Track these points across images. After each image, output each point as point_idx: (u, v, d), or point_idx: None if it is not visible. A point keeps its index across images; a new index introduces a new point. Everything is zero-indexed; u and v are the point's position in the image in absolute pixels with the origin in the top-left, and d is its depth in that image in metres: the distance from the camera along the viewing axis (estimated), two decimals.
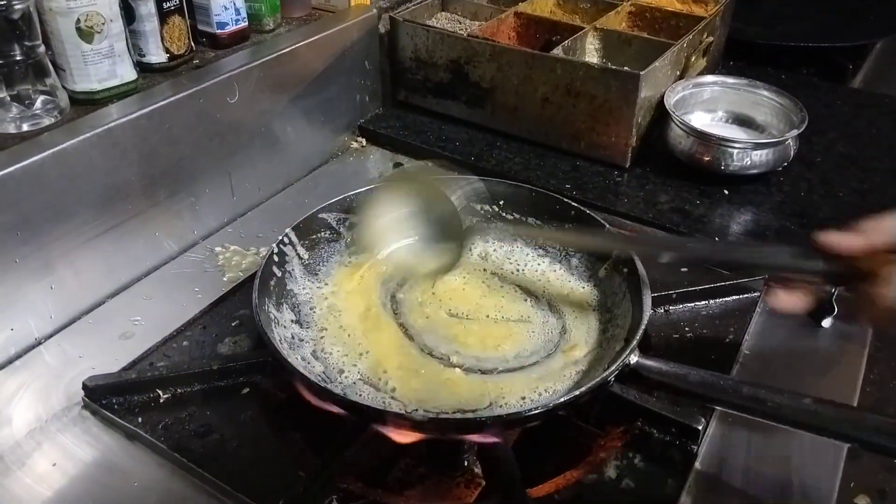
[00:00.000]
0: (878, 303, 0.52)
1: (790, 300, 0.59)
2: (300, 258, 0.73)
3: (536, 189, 0.80)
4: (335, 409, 0.58)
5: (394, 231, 0.74)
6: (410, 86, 1.09)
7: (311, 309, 0.71)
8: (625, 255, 0.70)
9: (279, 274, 0.70)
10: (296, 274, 0.72)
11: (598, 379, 0.58)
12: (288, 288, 0.71)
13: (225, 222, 0.88)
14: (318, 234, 0.76)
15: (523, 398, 0.62)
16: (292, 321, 0.69)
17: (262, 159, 0.92)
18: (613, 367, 0.58)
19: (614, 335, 0.67)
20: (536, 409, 0.56)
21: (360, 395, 0.62)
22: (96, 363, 0.68)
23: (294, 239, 0.73)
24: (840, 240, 0.54)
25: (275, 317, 0.66)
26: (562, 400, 0.56)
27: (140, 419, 0.62)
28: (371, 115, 1.09)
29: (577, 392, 0.57)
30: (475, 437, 0.58)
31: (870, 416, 0.52)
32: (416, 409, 0.61)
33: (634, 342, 0.60)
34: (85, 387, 0.63)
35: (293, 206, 0.91)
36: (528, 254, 0.79)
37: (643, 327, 0.62)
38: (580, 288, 0.75)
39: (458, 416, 0.60)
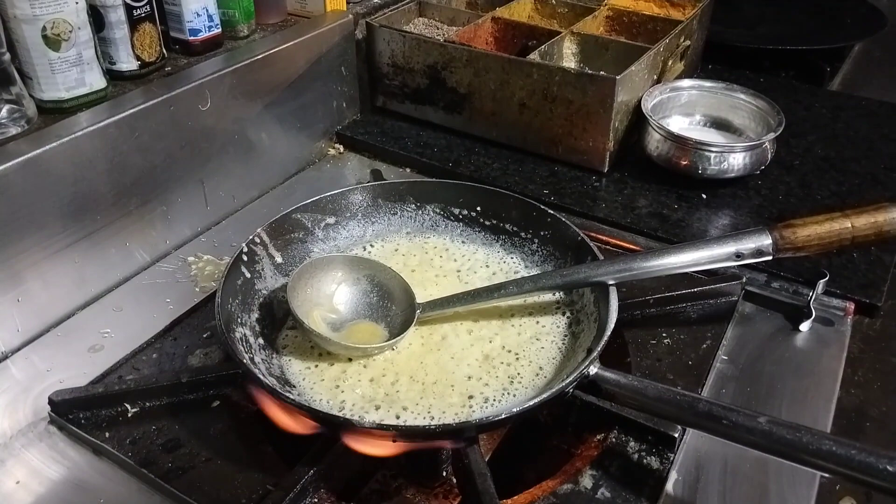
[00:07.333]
0: None
1: None
2: (271, 258, 0.72)
3: (514, 195, 0.79)
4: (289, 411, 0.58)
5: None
6: (388, 92, 1.09)
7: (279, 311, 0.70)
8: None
9: (248, 274, 0.69)
10: (266, 275, 0.71)
11: (555, 390, 0.56)
12: (256, 288, 0.69)
13: (198, 231, 0.87)
14: (292, 235, 0.75)
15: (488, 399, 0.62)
16: (258, 321, 0.67)
17: (237, 167, 0.91)
18: (571, 379, 0.57)
19: (580, 343, 0.66)
20: (487, 418, 0.56)
21: (318, 401, 0.61)
22: (64, 377, 0.66)
23: (266, 239, 0.72)
24: None
25: (238, 316, 0.65)
26: (515, 411, 0.55)
27: (107, 434, 0.61)
28: (348, 121, 1.08)
29: (529, 404, 0.55)
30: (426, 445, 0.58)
31: (825, 441, 0.50)
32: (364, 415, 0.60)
33: (595, 353, 0.59)
34: (51, 401, 0.62)
35: (269, 214, 0.88)
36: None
37: (605, 340, 0.60)
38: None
39: (401, 423, 0.59)
